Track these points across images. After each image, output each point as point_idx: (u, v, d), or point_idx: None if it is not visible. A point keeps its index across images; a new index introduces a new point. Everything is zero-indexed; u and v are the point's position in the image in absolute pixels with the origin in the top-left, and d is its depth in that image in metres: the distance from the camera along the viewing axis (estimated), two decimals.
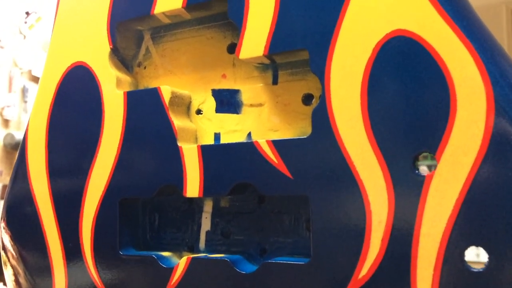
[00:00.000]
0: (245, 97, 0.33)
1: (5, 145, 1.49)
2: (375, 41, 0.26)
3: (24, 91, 1.60)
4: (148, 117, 0.33)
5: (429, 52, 0.25)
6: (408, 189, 0.25)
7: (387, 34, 0.26)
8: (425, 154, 0.25)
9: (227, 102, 0.33)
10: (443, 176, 0.24)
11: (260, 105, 0.32)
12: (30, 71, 1.62)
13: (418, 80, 0.25)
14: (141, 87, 0.37)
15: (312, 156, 0.27)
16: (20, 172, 0.38)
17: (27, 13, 1.67)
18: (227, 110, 0.33)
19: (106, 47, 0.35)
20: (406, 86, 0.25)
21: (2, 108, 1.50)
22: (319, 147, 0.27)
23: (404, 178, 0.25)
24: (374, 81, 0.26)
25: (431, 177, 0.24)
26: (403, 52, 0.25)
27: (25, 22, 1.66)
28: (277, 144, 0.28)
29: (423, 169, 0.25)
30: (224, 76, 0.34)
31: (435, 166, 0.24)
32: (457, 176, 0.24)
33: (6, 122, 1.54)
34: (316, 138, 0.27)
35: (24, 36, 1.64)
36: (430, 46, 0.25)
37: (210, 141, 0.34)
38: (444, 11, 0.25)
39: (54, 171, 0.36)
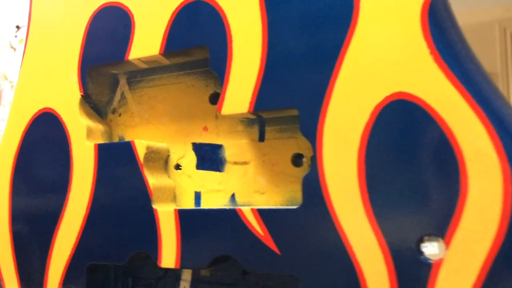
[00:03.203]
0: (229, 153, 0.29)
1: None
2: (373, 104, 0.23)
3: None
4: (121, 175, 0.29)
5: (435, 120, 0.22)
6: (413, 277, 0.22)
7: (387, 97, 0.23)
8: (432, 237, 0.21)
9: (209, 158, 0.30)
10: (453, 265, 0.21)
11: (245, 163, 0.29)
12: None
13: (423, 152, 0.22)
14: (115, 136, 0.33)
15: (303, 231, 0.24)
16: None
17: (18, 27, 1.63)
18: (209, 167, 0.30)
19: (76, 94, 0.32)
20: (410, 158, 0.22)
21: None
22: (310, 221, 0.24)
23: (408, 264, 0.22)
24: (372, 149, 0.23)
25: (439, 264, 0.21)
26: (405, 118, 0.22)
27: (16, 36, 1.62)
28: (263, 214, 0.25)
29: (430, 254, 0.22)
30: (205, 128, 0.30)
31: (444, 252, 0.21)
32: (469, 266, 0.20)
33: None
34: (307, 210, 0.24)
35: (15, 50, 1.61)
36: (436, 113, 0.22)
37: (189, 200, 0.30)
38: (453, 74, 0.21)
39: (17, 229, 0.33)
